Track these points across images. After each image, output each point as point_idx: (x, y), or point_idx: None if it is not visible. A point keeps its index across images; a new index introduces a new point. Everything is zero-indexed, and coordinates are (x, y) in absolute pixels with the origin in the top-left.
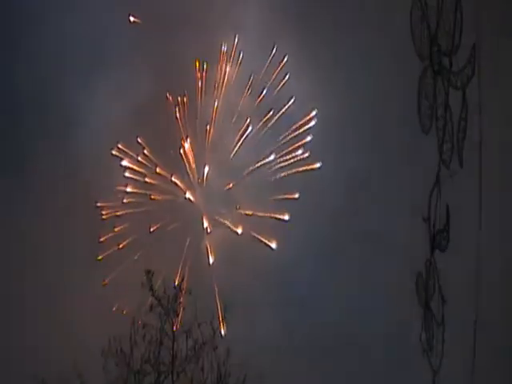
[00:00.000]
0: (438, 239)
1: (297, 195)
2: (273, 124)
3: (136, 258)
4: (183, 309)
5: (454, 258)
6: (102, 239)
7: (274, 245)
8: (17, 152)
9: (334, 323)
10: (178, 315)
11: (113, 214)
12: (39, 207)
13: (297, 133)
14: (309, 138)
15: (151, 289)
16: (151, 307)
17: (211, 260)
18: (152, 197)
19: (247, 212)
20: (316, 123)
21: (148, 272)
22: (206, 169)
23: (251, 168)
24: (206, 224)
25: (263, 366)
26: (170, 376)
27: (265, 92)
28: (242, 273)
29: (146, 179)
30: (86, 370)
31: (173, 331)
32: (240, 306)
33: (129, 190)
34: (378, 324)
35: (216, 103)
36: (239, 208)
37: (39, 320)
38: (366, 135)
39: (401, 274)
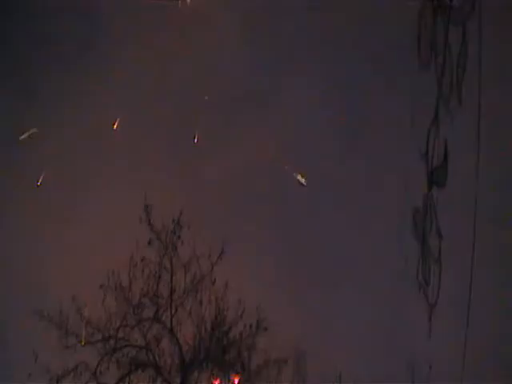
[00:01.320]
0: (436, 175)
1: None
2: None
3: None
4: (182, 243)
5: (452, 193)
6: None
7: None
8: None
9: (333, 258)
10: (176, 249)
11: None
12: None
13: None
14: None
15: (150, 223)
16: (150, 241)
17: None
18: None
19: None
20: None
21: (146, 206)
22: None
23: None
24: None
25: (261, 299)
26: (169, 310)
27: None
28: (242, 207)
29: None
30: (84, 305)
31: (171, 265)
32: (239, 240)
33: None
34: (374, 259)
35: None
36: None
37: (38, 256)
38: (363, 68)
39: (398, 210)
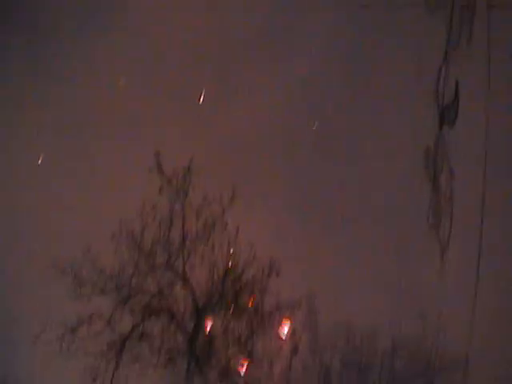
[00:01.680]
0: (447, 113)
1: None
2: None
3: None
4: (193, 189)
5: (463, 131)
6: None
7: None
8: None
9: (344, 201)
10: (187, 195)
11: None
12: None
13: None
14: None
15: (160, 170)
16: (160, 189)
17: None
18: None
19: None
20: None
21: (156, 153)
22: None
23: None
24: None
25: (273, 242)
26: (181, 256)
27: None
28: (252, 152)
29: None
30: (97, 254)
31: (183, 211)
32: (250, 184)
33: None
34: (385, 201)
35: None
36: None
37: (50, 207)
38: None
39: (409, 149)
